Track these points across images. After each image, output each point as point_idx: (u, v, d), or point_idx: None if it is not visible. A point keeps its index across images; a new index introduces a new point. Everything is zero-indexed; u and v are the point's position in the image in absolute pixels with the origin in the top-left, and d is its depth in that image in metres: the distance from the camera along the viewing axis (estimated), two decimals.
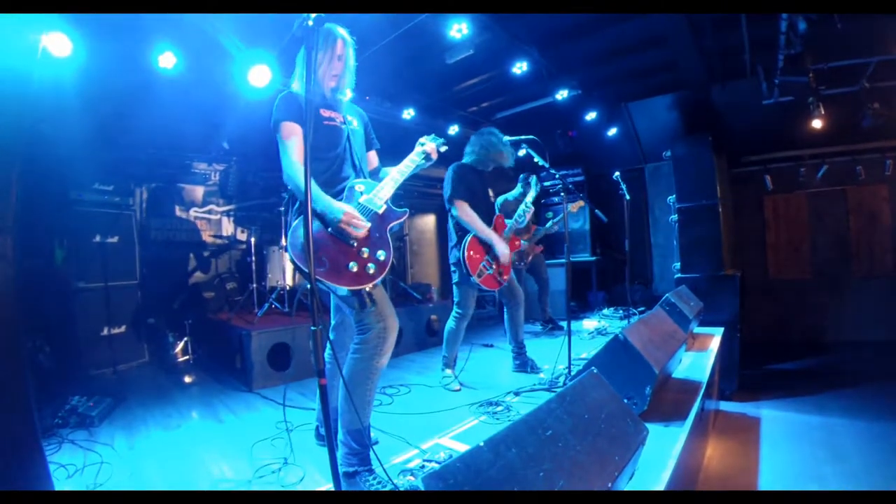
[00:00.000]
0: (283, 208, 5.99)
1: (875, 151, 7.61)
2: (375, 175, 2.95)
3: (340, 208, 2.32)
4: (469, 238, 4.16)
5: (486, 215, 4.31)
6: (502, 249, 4.18)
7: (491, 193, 4.54)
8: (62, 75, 4.41)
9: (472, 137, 4.45)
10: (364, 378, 2.40)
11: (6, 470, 1.79)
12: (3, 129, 1.89)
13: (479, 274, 4.12)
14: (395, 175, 2.65)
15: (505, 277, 4.31)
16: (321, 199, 2.33)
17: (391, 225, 2.57)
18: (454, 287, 4.30)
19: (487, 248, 4.22)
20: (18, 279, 1.91)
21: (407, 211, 2.68)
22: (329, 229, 2.32)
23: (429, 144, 2.80)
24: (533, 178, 5.42)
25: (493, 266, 4.21)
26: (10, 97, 1.91)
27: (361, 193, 2.55)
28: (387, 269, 2.45)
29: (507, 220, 4.64)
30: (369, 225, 2.41)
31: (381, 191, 2.56)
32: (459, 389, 4.16)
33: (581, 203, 8.89)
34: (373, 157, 3.03)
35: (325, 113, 2.65)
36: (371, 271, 2.36)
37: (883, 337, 7.48)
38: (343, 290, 2.34)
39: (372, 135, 3.03)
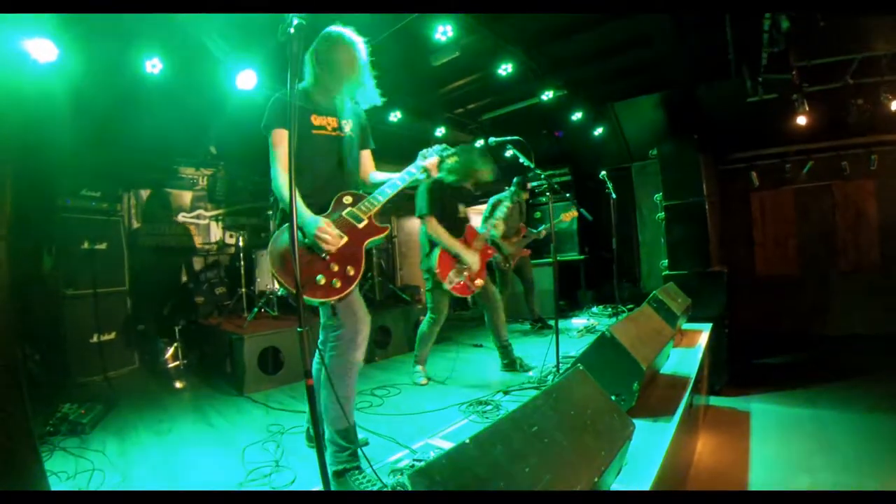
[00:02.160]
0: (270, 212, 6.00)
1: (860, 147, 7.68)
2: (368, 178, 2.92)
3: (315, 221, 2.31)
4: (439, 249, 4.35)
5: (456, 229, 4.50)
6: (471, 258, 4.41)
7: (461, 208, 4.67)
8: (48, 81, 4.38)
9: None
10: (343, 373, 2.42)
11: (3, 474, 1.79)
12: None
13: (450, 281, 4.32)
14: (387, 190, 2.60)
15: (477, 283, 4.48)
16: (298, 210, 2.30)
17: (369, 241, 2.52)
18: (427, 294, 4.49)
19: (458, 259, 4.39)
20: (11, 287, 1.91)
21: (388, 228, 2.64)
22: (306, 240, 2.31)
23: (430, 161, 2.76)
24: (505, 196, 5.72)
25: (464, 274, 4.38)
26: (2, 107, 1.91)
27: (347, 206, 2.52)
28: (353, 285, 2.41)
29: (479, 230, 4.83)
30: (344, 240, 2.38)
31: (368, 205, 2.53)
32: (426, 383, 4.47)
33: (574, 213, 8.97)
34: (367, 159, 2.96)
35: (317, 120, 2.61)
36: (337, 286, 2.34)
37: (869, 331, 7.55)
38: (312, 300, 2.33)
39: (368, 135, 2.96)
